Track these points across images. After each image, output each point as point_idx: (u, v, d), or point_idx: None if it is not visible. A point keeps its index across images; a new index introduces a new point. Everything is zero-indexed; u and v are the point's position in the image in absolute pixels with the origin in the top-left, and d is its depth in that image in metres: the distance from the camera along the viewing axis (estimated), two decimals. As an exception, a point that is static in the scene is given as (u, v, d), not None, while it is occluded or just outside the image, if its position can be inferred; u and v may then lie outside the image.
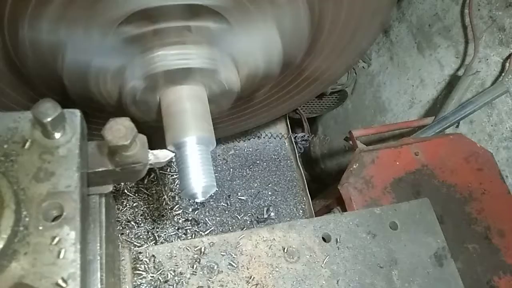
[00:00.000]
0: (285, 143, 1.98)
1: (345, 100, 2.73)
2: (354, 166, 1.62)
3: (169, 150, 0.99)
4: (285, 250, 1.18)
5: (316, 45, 1.18)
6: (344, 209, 1.61)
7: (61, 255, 0.58)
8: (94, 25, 0.88)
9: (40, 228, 0.59)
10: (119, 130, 0.68)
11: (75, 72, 1.01)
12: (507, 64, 1.71)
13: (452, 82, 2.01)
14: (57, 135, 0.67)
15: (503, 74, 1.75)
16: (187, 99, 1.00)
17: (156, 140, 1.06)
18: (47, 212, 0.61)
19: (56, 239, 0.59)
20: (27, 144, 0.66)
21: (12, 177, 0.62)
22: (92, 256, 0.76)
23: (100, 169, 0.74)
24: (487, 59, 1.82)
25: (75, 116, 0.71)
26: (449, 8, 2.01)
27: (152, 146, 1.72)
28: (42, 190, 0.62)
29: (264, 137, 1.94)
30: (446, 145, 1.73)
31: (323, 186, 2.07)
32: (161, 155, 0.80)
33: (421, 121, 1.90)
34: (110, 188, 0.81)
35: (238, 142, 1.91)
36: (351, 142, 1.79)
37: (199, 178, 0.94)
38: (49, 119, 0.63)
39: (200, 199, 0.95)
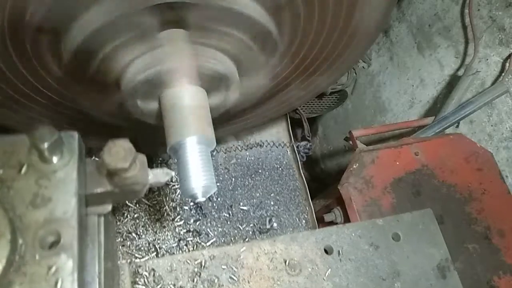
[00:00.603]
0: (287, 151, 1.95)
1: (345, 100, 2.72)
2: (354, 166, 1.62)
3: (169, 151, 1.00)
4: (287, 263, 1.16)
5: None
6: (344, 209, 1.62)
7: (58, 285, 0.57)
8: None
9: (37, 257, 0.58)
10: (118, 152, 0.67)
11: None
12: (507, 64, 1.71)
13: (452, 82, 2.00)
14: (55, 158, 0.66)
15: (503, 74, 1.74)
16: (186, 100, 1.00)
17: (157, 140, 1.06)
18: (44, 239, 0.60)
19: (53, 269, 0.58)
20: (24, 169, 0.65)
21: (7, 203, 0.61)
22: (91, 278, 0.75)
23: (98, 190, 0.73)
24: (487, 59, 1.81)
25: (73, 138, 0.70)
26: (449, 8, 2.00)
27: (153, 146, 1.72)
28: (38, 217, 0.61)
29: (266, 146, 1.92)
30: (446, 145, 1.73)
31: (323, 186, 2.07)
32: (161, 175, 0.79)
33: (421, 121, 1.90)
34: (109, 208, 0.80)
35: (240, 150, 1.89)
36: (351, 142, 1.79)
37: (199, 178, 0.94)
38: (46, 145, 0.62)
39: (200, 199, 0.95)
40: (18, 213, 0.61)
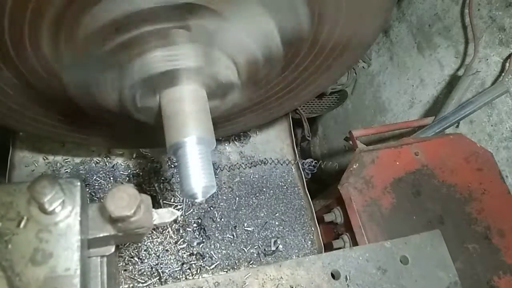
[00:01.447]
0: (292, 169, 1.93)
1: (345, 100, 2.72)
2: (354, 166, 1.62)
3: (168, 151, 0.99)
4: None
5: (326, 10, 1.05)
6: (344, 209, 1.61)
7: None
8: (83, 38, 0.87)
9: None
10: (122, 198, 0.65)
11: (76, 87, 1.02)
12: (507, 64, 1.71)
13: (452, 82, 2.01)
14: (56, 209, 0.63)
15: (503, 74, 1.74)
16: (186, 100, 0.99)
17: (157, 139, 1.06)
18: None
19: (55, 334, 0.54)
20: (23, 222, 0.61)
21: (6, 260, 0.58)
22: (93, 326, 0.71)
23: (101, 235, 0.70)
24: (487, 59, 1.81)
25: (74, 186, 0.67)
26: (449, 8, 2.00)
27: (154, 145, 1.70)
28: (39, 274, 0.57)
29: (270, 163, 1.90)
30: (446, 145, 1.73)
31: (323, 186, 2.06)
32: (166, 215, 0.77)
33: (421, 121, 1.90)
34: (112, 249, 0.77)
35: (244, 168, 1.86)
36: (351, 142, 1.79)
37: (199, 178, 0.93)
38: (46, 199, 0.59)
39: (200, 199, 0.94)
40: (17, 271, 0.58)
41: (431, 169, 1.67)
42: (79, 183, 0.67)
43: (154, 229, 1.60)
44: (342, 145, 2.80)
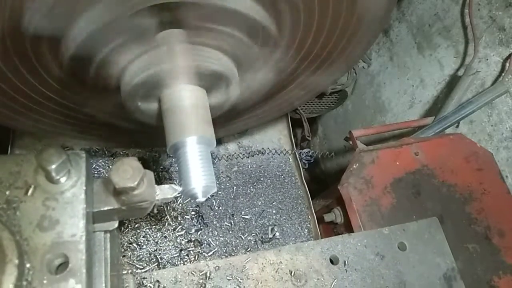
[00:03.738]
0: (289, 158, 1.94)
1: (345, 100, 2.72)
2: (354, 166, 1.62)
3: (169, 151, 0.99)
4: (292, 274, 1.16)
5: None
6: (344, 209, 1.61)
7: (66, 311, 0.54)
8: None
9: (45, 281, 0.57)
10: (126, 171, 0.67)
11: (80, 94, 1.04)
12: (507, 64, 1.71)
13: (452, 82, 2.01)
14: (62, 179, 0.65)
15: (503, 74, 1.75)
16: (186, 100, 1.00)
17: (158, 139, 1.06)
18: (51, 263, 0.59)
19: (61, 294, 0.55)
20: (30, 190, 0.63)
21: (14, 226, 0.60)
22: (97, 297, 0.73)
23: (105, 208, 0.72)
24: (487, 59, 1.82)
25: (80, 158, 0.69)
26: (449, 8, 2.01)
27: (154, 145, 1.70)
28: (46, 239, 0.60)
29: (268, 153, 1.91)
30: (446, 145, 1.73)
31: (323, 186, 2.07)
32: (168, 191, 0.78)
33: (421, 121, 1.90)
34: (115, 224, 0.79)
35: (242, 158, 1.88)
36: (351, 142, 1.79)
37: (199, 178, 0.93)
38: (53, 166, 0.61)
39: (200, 199, 0.95)
40: (25, 236, 0.60)
41: (431, 169, 1.67)
42: (84, 155, 0.70)
43: (152, 216, 1.61)
44: (342, 145, 2.80)
